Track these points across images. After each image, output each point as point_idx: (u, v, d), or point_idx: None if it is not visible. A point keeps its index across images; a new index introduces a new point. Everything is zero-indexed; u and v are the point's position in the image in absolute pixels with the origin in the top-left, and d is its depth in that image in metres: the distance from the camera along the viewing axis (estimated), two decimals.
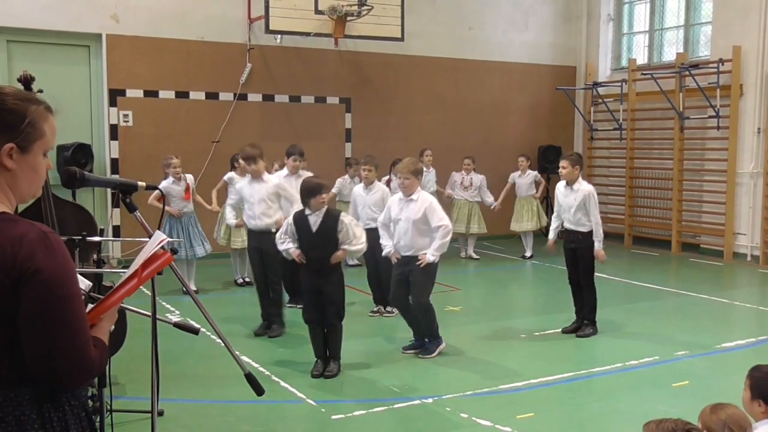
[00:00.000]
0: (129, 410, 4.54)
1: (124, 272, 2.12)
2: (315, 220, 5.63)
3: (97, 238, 4.26)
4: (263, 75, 10.95)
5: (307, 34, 10.31)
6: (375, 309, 7.63)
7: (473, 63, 12.58)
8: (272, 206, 6.77)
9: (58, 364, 1.79)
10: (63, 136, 9.29)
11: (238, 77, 10.74)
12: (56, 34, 9.68)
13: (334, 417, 4.88)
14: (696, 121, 11.34)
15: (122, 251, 10.06)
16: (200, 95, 10.62)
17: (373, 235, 6.54)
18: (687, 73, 11.02)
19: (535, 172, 11.24)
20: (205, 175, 10.07)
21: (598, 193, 7.07)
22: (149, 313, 2.62)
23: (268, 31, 10.11)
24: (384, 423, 4.86)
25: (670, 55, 12.28)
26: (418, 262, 6.01)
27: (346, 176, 9.96)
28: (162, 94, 10.37)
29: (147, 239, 2.21)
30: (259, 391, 2.59)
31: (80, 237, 3.78)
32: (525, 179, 11.09)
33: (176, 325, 2.84)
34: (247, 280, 8.91)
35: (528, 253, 11.09)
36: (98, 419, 3.08)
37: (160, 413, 4.65)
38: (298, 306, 7.25)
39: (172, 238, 7.69)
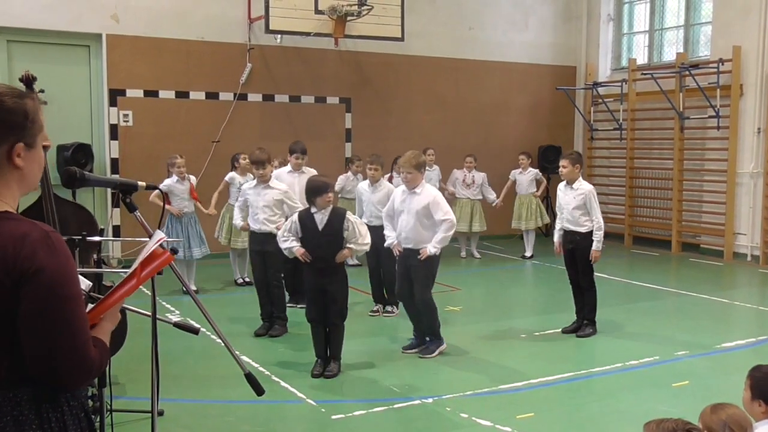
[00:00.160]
0: (129, 410, 4.54)
1: (124, 272, 2.12)
2: (321, 219, 5.62)
3: (97, 238, 4.27)
4: (263, 75, 10.95)
5: (307, 34, 10.31)
6: (375, 308, 7.64)
7: (473, 63, 12.58)
8: (277, 213, 6.76)
9: (59, 363, 1.79)
10: (63, 136, 9.31)
11: (238, 77, 10.74)
12: (56, 34, 9.68)
13: (334, 417, 4.88)
14: (696, 121, 11.34)
15: (122, 251, 10.06)
16: (200, 95, 10.62)
17: (377, 232, 6.55)
18: (687, 73, 11.02)
19: (536, 170, 11.24)
20: (205, 175, 10.06)
21: (598, 193, 7.06)
22: (149, 313, 2.62)
23: (268, 31, 10.11)
24: (384, 423, 4.86)
25: (670, 55, 12.28)
26: (419, 255, 6.01)
27: (349, 173, 9.99)
28: (162, 94, 10.37)
29: (147, 239, 2.21)
30: (259, 391, 2.59)
31: (80, 237, 3.78)
32: (526, 177, 11.09)
33: (176, 325, 2.84)
34: (246, 280, 8.91)
35: (528, 253, 11.09)
36: (98, 419, 3.08)
37: (160, 413, 4.65)
38: (298, 306, 7.26)
39: (171, 238, 7.69)
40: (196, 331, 2.84)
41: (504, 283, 9.82)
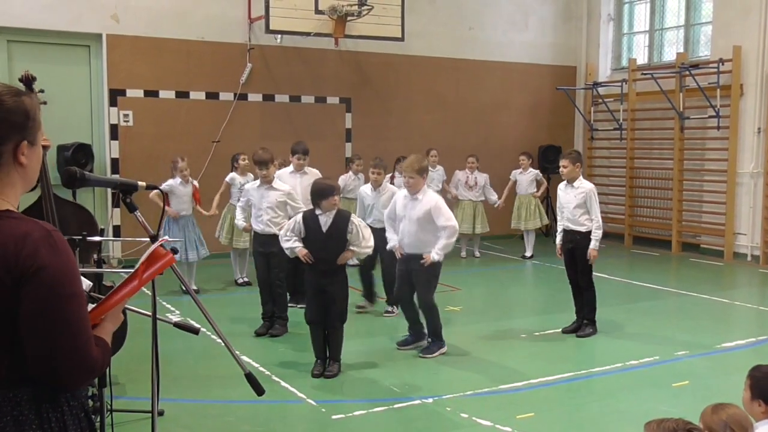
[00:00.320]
0: (129, 410, 4.54)
1: (124, 272, 2.12)
2: (325, 221, 5.62)
3: (97, 238, 4.27)
4: (263, 75, 10.95)
5: (308, 34, 10.31)
6: (361, 305, 7.65)
7: (473, 63, 12.58)
8: (280, 214, 6.76)
9: (59, 363, 1.79)
10: (63, 136, 9.31)
11: (238, 77, 10.74)
12: (56, 34, 9.68)
13: (334, 417, 4.88)
14: (696, 121, 11.34)
15: (122, 251, 10.06)
16: (200, 95, 10.62)
17: (381, 234, 6.55)
18: (687, 73, 11.02)
19: (537, 171, 11.23)
20: (205, 175, 10.06)
21: (599, 193, 7.05)
22: (149, 313, 2.62)
23: (268, 31, 10.11)
24: (384, 423, 4.86)
25: (670, 55, 12.28)
26: (422, 261, 6.00)
27: (350, 173, 9.99)
28: (162, 94, 10.37)
29: (147, 239, 2.21)
30: (260, 391, 2.59)
31: (81, 237, 3.78)
32: (526, 177, 11.09)
33: (176, 325, 2.84)
34: (246, 280, 8.91)
35: (528, 253, 11.09)
36: (98, 419, 3.08)
37: (161, 413, 4.66)
38: (299, 305, 7.25)
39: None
40: (196, 331, 2.84)
41: (504, 283, 9.82)
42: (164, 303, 7.60)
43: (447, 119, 12.41)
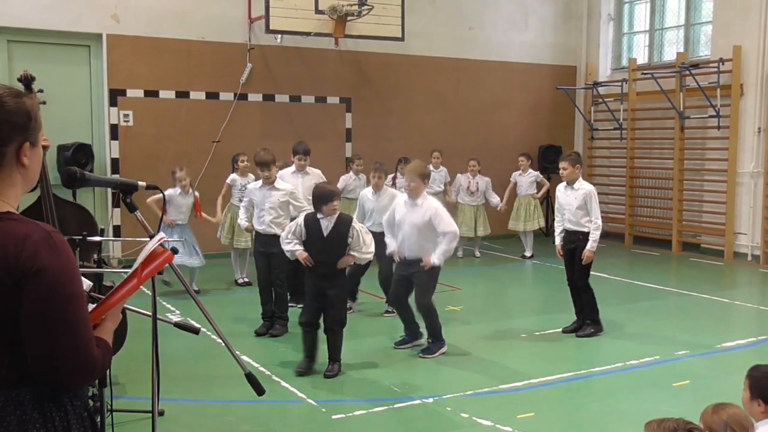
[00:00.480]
0: (129, 410, 4.54)
1: (124, 272, 2.12)
2: (327, 225, 5.63)
3: (97, 238, 4.27)
4: (263, 75, 10.95)
5: (308, 34, 10.31)
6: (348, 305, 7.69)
7: (473, 63, 12.58)
8: (282, 215, 6.77)
9: (60, 363, 1.80)
10: (63, 136, 9.31)
11: (238, 77, 10.73)
12: (56, 34, 9.68)
13: (334, 417, 4.88)
14: (696, 121, 11.34)
15: (123, 251, 10.06)
16: (200, 95, 10.62)
17: (379, 238, 6.54)
18: (687, 72, 11.02)
19: (537, 173, 11.22)
20: (205, 175, 10.07)
21: (599, 193, 7.05)
22: (149, 313, 2.62)
23: (268, 30, 10.11)
24: (384, 423, 4.86)
25: (670, 54, 12.28)
26: (422, 264, 6.01)
27: (350, 173, 9.99)
28: (162, 93, 10.37)
29: (147, 239, 2.21)
30: (260, 391, 2.59)
31: (81, 237, 3.78)
32: (526, 178, 11.09)
33: (177, 324, 2.84)
34: (246, 280, 8.90)
35: (528, 253, 11.09)
36: (98, 419, 3.08)
37: (161, 413, 4.66)
38: (299, 305, 7.25)
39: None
40: (196, 331, 2.84)
41: (504, 283, 9.82)
42: (164, 303, 7.60)
43: (447, 119, 12.40)
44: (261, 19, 10.15)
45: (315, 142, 9.73)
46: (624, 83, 12.12)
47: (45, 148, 3.27)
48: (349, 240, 5.62)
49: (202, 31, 10.50)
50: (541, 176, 11.28)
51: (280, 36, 10.72)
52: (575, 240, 6.73)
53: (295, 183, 7.40)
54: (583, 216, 6.66)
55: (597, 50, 13.30)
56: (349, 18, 10.20)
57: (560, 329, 6.95)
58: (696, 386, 5.48)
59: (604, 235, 6.76)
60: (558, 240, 6.95)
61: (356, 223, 5.77)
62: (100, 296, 2.14)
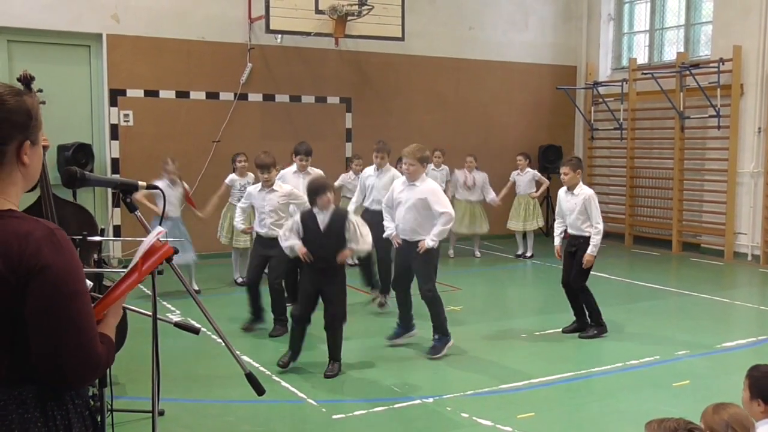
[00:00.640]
0: (130, 410, 4.54)
1: (124, 272, 2.12)
2: (323, 219, 5.64)
3: (97, 238, 4.27)
4: (264, 75, 10.95)
5: (308, 34, 10.31)
6: (373, 297, 7.72)
7: (474, 63, 12.58)
8: (283, 216, 6.79)
9: (65, 360, 1.80)
10: (63, 135, 9.31)
11: (238, 77, 10.73)
12: (57, 34, 9.68)
13: (334, 417, 4.88)
14: (696, 121, 11.34)
15: (123, 251, 10.05)
16: (201, 95, 10.62)
17: (379, 218, 6.59)
18: (687, 72, 11.02)
19: (534, 171, 11.21)
20: (205, 175, 10.07)
21: (599, 193, 7.07)
22: (150, 313, 2.62)
23: (268, 30, 10.11)
24: (385, 423, 4.86)
25: (670, 54, 12.27)
26: (418, 248, 6.02)
27: (350, 173, 9.99)
28: (162, 93, 10.37)
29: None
30: (260, 390, 2.59)
31: (81, 237, 3.78)
32: (524, 177, 11.08)
33: (177, 324, 2.84)
34: (245, 280, 8.88)
35: (529, 253, 11.08)
36: (99, 419, 3.08)
37: (161, 413, 4.65)
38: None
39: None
40: (196, 331, 2.84)
41: (504, 283, 9.82)
42: (165, 303, 7.60)
43: (447, 119, 12.40)
44: (261, 19, 10.15)
45: (315, 142, 9.72)
46: (624, 83, 12.12)
47: (45, 148, 3.27)
48: (347, 233, 5.63)
49: (202, 31, 10.50)
50: (539, 174, 11.27)
51: (280, 36, 10.72)
52: (576, 243, 6.73)
53: (296, 183, 7.42)
54: (584, 221, 6.66)
55: (597, 50, 13.29)
56: (349, 18, 10.19)
57: (560, 329, 6.95)
58: (696, 386, 5.48)
59: (605, 235, 6.75)
60: (557, 241, 6.96)
61: (352, 216, 5.80)
62: (99, 296, 2.14)
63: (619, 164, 12.82)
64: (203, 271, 9.01)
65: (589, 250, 6.59)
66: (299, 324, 5.76)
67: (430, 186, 6.15)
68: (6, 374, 1.82)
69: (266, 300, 6.92)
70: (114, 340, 2.02)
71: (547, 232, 12.29)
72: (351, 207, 7.67)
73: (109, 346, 1.95)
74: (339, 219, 5.65)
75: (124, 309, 2.78)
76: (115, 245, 10.01)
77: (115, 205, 9.96)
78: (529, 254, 11.09)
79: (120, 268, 8.62)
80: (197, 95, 10.59)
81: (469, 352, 6.34)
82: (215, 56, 10.59)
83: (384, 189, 7.33)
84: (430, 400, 5.18)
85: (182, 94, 10.49)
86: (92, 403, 3.46)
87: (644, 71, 11.70)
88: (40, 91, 4.67)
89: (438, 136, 11.94)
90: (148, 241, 2.14)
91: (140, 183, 2.41)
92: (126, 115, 10.14)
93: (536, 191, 11.15)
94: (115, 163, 10.13)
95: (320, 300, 5.77)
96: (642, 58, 12.78)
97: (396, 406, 5.09)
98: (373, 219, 6.40)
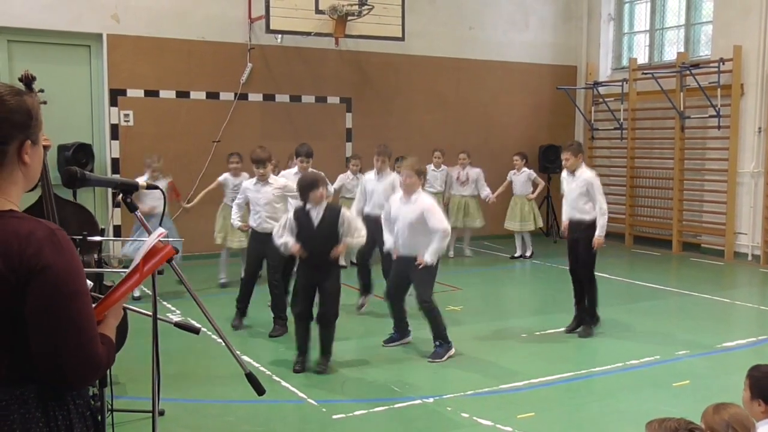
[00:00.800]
0: (130, 410, 4.54)
1: (125, 272, 2.13)
2: (316, 215, 5.65)
3: (98, 238, 4.27)
4: (264, 75, 10.94)
5: (308, 34, 10.31)
6: (361, 302, 7.67)
7: (474, 63, 12.58)
8: (278, 209, 6.79)
9: (65, 361, 1.80)
10: (64, 135, 9.31)
11: (238, 77, 10.73)
12: (57, 34, 9.68)
13: (334, 417, 4.88)
14: (697, 121, 11.34)
15: (123, 251, 10.05)
16: (201, 95, 10.62)
17: (378, 222, 6.61)
18: (688, 72, 11.02)
19: (530, 171, 11.16)
20: (205, 175, 10.06)
21: None
22: (150, 313, 2.62)
23: (268, 30, 10.11)
24: (385, 423, 4.86)
25: (670, 54, 12.27)
26: (417, 263, 6.03)
27: (348, 173, 9.97)
28: (163, 93, 10.37)
29: (147, 239, 2.22)
30: (260, 390, 2.59)
31: (81, 237, 3.78)
32: (520, 177, 11.06)
33: (177, 324, 2.84)
34: (226, 281, 8.80)
35: (528, 252, 11.07)
36: (99, 419, 3.08)
37: (161, 413, 4.65)
38: None
39: (140, 239, 7.61)
40: (196, 331, 2.84)
41: (504, 283, 9.82)
42: (165, 303, 7.60)
43: (447, 119, 12.40)
44: (261, 19, 10.15)
45: (315, 142, 9.72)
46: (624, 83, 12.12)
47: (46, 147, 3.28)
48: (341, 228, 5.63)
49: (203, 31, 10.49)
50: (535, 174, 11.21)
51: (280, 36, 10.72)
52: (577, 230, 6.75)
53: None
54: (585, 203, 6.68)
55: (597, 50, 13.29)
56: (349, 18, 10.19)
57: (560, 329, 6.95)
58: (696, 386, 5.48)
59: (605, 235, 6.75)
60: (565, 218, 7.00)
61: (345, 211, 5.81)
62: (99, 296, 2.14)
63: (619, 164, 12.82)
64: (203, 270, 9.01)
65: (597, 232, 6.61)
66: (301, 321, 5.76)
67: (426, 202, 6.15)
68: (6, 374, 1.82)
69: (259, 298, 6.91)
70: (114, 341, 2.02)
71: (546, 232, 12.29)
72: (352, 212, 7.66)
73: (110, 347, 1.95)
74: (332, 214, 5.67)
75: (125, 309, 2.78)
76: (116, 245, 9.99)
77: (116, 205, 9.94)
78: (528, 253, 11.07)
79: (120, 268, 8.65)
80: (197, 95, 10.59)
81: (469, 352, 6.33)
82: (215, 56, 10.59)
83: (384, 193, 7.33)
84: (430, 400, 5.18)
85: (182, 94, 10.49)
86: (92, 403, 3.47)
87: (644, 71, 11.70)
88: (41, 91, 4.67)
89: (438, 136, 11.94)
90: (149, 242, 2.14)
91: (140, 183, 2.41)
92: (126, 115, 10.14)
93: (533, 193, 11.10)
94: (116, 163, 10.13)
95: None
96: (642, 58, 12.78)
97: (396, 406, 5.09)
98: (374, 223, 6.37)
